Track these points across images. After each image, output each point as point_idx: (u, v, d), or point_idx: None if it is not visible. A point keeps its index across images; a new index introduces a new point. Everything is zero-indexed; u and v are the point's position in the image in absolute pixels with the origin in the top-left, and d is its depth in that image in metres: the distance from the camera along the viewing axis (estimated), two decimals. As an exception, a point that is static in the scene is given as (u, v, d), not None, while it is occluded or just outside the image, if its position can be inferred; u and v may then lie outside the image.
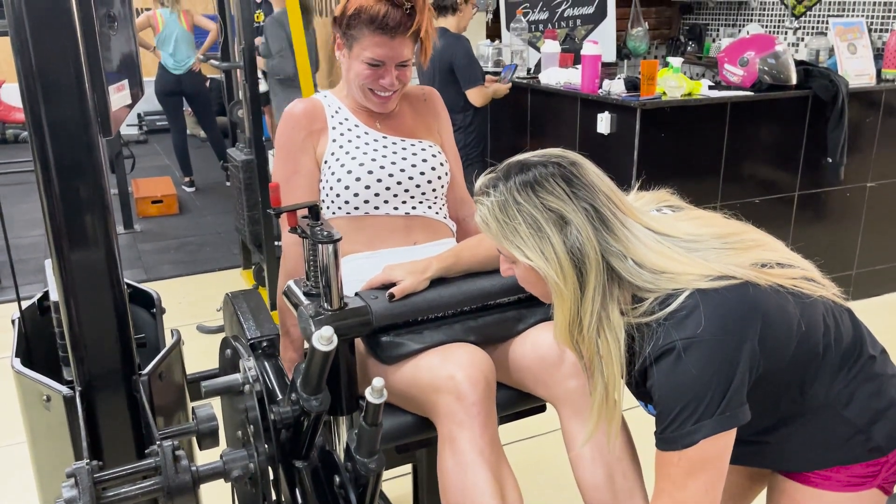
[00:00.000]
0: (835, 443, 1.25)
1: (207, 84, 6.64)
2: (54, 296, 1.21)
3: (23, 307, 1.53)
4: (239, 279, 4.15)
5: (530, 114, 3.61)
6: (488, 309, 1.41)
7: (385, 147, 1.65)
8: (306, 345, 1.36)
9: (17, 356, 1.37)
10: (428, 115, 1.78)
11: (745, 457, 1.32)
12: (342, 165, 1.61)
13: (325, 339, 1.04)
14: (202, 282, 4.15)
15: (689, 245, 1.17)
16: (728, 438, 1.12)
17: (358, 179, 1.60)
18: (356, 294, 1.38)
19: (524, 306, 1.47)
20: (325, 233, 1.16)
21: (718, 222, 1.26)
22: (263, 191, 3.46)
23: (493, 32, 4.99)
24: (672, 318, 1.10)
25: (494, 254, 1.41)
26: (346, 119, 1.69)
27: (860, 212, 3.61)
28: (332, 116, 1.68)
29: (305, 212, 1.34)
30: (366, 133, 1.67)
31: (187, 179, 6.14)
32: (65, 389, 1.23)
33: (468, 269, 1.49)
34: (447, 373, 1.34)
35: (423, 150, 1.68)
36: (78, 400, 1.19)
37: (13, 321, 1.53)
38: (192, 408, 1.23)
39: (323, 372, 1.08)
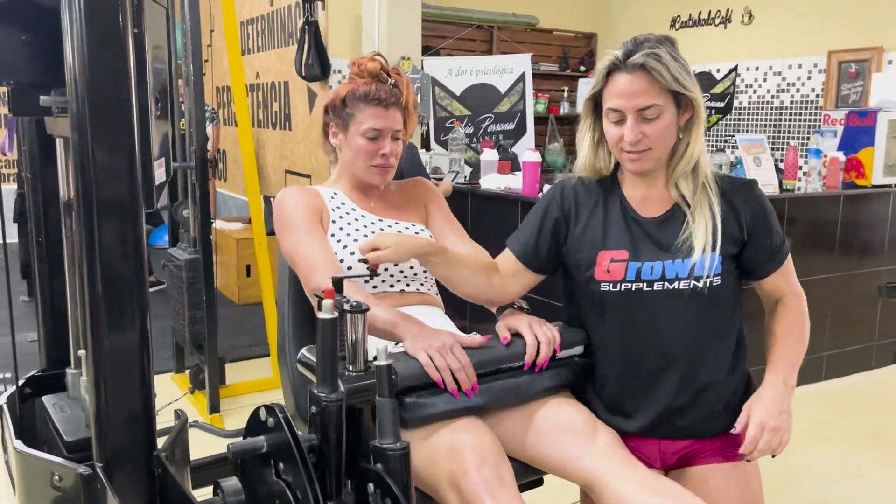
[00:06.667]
0: None
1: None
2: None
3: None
4: (170, 383, 4.01)
5: (471, 215, 3.79)
6: (501, 372, 1.48)
7: (382, 230, 1.77)
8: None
9: (17, 438, 1.34)
10: (422, 196, 1.92)
11: None
12: (344, 247, 1.70)
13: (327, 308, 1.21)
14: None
15: None
16: None
17: (363, 261, 1.67)
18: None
19: (533, 372, 1.52)
20: (354, 303, 1.24)
21: None
22: (208, 289, 3.44)
23: (425, 143, 5.29)
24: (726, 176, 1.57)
25: (474, 264, 1.61)
26: (344, 203, 1.80)
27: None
28: (329, 201, 1.79)
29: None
30: (363, 216, 1.79)
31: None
32: (81, 468, 1.21)
33: (451, 265, 1.57)
34: (451, 443, 1.36)
35: (415, 233, 1.80)
36: (102, 476, 1.17)
37: (1, 406, 1.49)
38: (217, 481, 1.23)
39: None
